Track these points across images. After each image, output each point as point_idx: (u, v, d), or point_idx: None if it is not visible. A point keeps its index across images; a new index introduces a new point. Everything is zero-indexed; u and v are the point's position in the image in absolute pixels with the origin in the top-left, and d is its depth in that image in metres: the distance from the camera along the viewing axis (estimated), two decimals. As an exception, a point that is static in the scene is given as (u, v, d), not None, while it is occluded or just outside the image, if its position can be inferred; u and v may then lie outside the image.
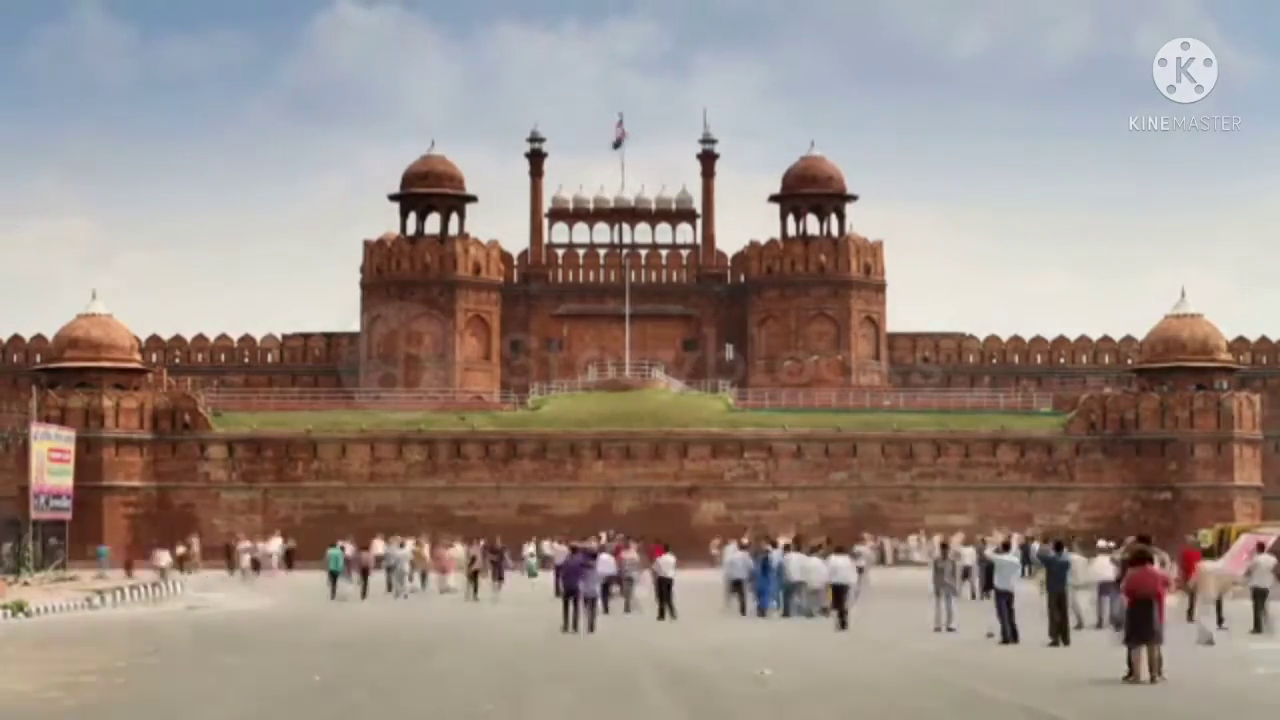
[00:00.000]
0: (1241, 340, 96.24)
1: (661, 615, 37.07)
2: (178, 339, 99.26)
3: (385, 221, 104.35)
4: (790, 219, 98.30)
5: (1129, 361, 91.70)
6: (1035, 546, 49.82)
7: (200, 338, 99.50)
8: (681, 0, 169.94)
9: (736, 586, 39.20)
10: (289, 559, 67.98)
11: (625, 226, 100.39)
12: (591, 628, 32.88)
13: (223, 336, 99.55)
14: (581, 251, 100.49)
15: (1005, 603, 29.63)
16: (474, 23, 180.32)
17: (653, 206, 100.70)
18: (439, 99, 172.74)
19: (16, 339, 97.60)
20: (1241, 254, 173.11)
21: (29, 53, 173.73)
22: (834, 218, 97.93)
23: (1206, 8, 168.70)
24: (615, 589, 39.83)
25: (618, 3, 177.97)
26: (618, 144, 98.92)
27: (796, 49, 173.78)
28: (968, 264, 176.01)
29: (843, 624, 33.42)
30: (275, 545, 67.77)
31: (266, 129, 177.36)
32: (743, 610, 38.30)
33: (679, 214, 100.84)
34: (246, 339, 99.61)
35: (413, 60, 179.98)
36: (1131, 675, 22.19)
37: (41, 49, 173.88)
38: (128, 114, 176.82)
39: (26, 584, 50.08)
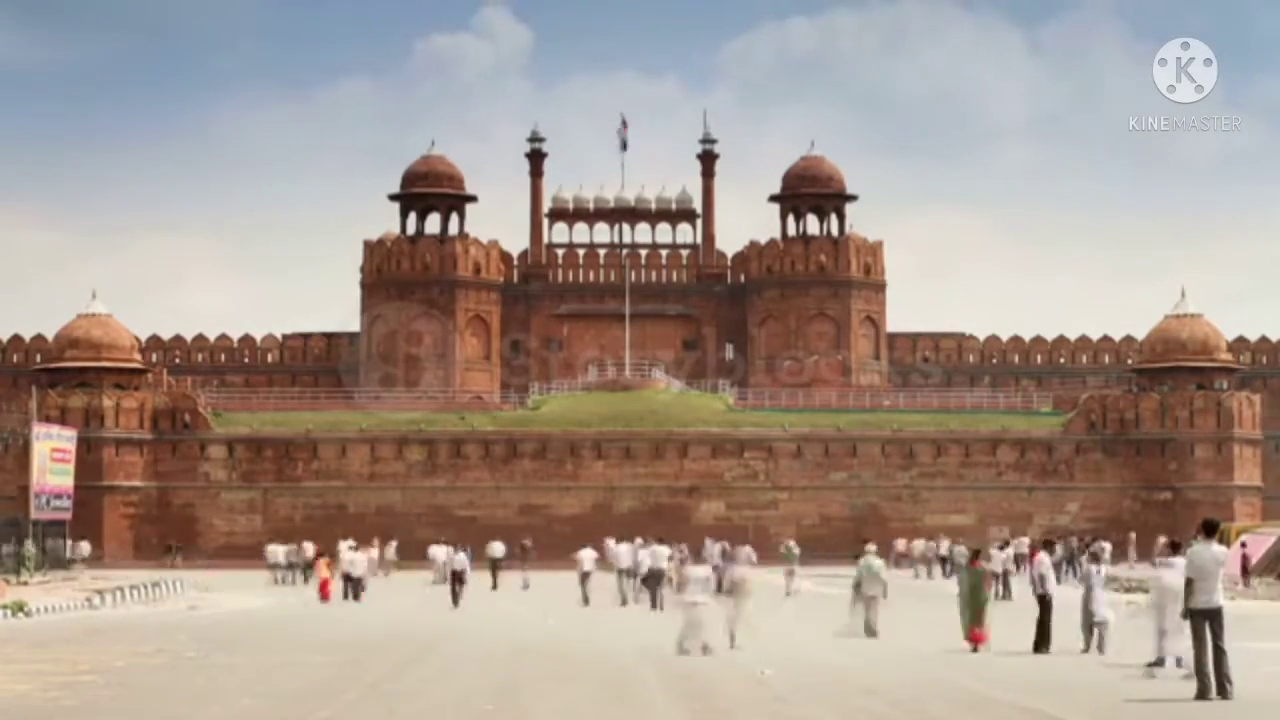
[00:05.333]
0: (1241, 340, 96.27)
1: None
2: (178, 339, 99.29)
3: (385, 221, 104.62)
4: (790, 219, 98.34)
5: (1129, 361, 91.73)
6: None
7: (200, 338, 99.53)
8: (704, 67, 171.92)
9: None
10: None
11: (625, 226, 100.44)
12: None
13: (223, 336, 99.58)
14: (581, 251, 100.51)
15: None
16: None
17: (653, 206, 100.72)
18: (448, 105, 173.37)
19: (16, 339, 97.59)
20: (1241, 254, 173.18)
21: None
22: (834, 218, 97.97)
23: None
24: None
25: (644, 59, 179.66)
26: (624, 144, 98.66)
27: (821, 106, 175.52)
28: (968, 264, 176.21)
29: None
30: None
31: (275, 134, 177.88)
32: None
33: (679, 214, 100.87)
34: (246, 339, 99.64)
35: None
36: None
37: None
38: (143, 122, 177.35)
39: (26, 583, 50.06)
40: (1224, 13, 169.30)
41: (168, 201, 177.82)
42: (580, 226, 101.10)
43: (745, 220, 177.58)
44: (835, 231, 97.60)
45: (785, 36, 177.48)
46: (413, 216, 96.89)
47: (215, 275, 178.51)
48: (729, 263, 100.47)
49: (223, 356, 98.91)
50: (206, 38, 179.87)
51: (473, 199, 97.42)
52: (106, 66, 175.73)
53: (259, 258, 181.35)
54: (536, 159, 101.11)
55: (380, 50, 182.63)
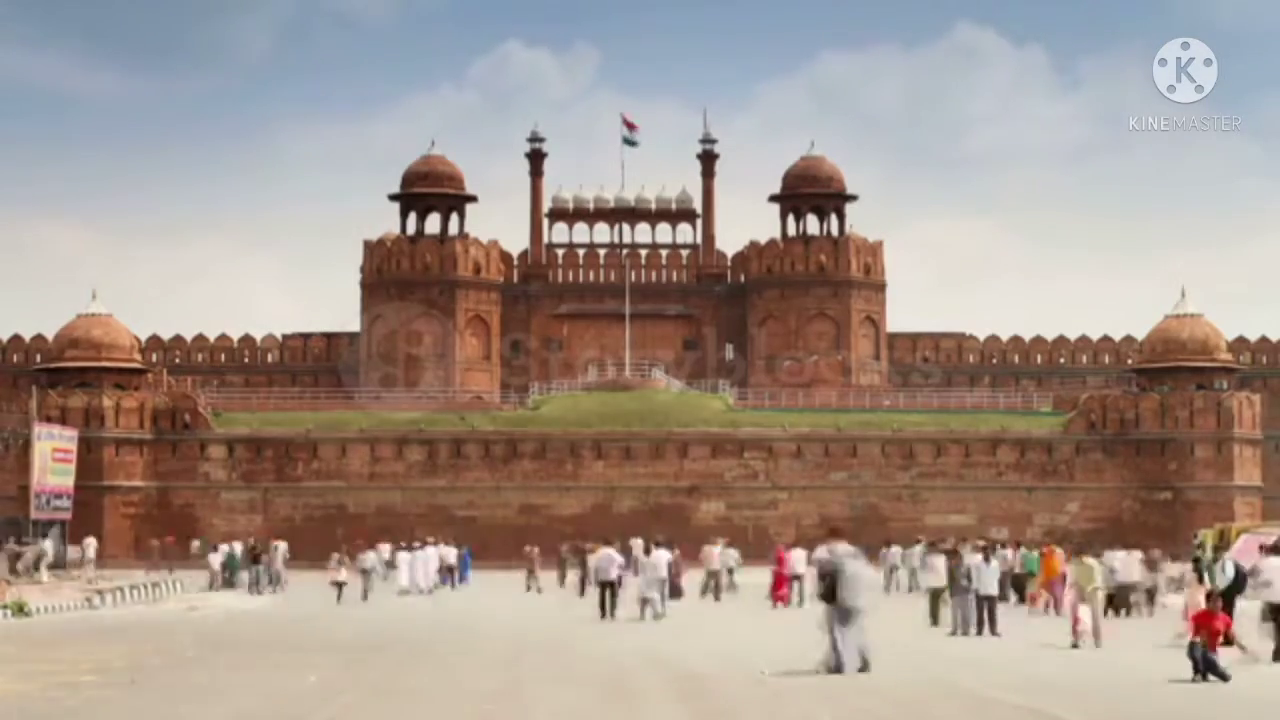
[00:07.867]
0: (1241, 340, 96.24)
1: None
2: (178, 339, 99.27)
3: (385, 221, 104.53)
4: (790, 219, 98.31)
5: (1129, 361, 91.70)
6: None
7: (200, 338, 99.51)
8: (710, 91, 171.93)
9: None
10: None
11: (625, 226, 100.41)
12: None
13: (223, 336, 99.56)
14: (581, 251, 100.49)
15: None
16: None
17: (653, 206, 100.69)
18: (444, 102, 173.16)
19: (16, 339, 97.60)
20: (1241, 254, 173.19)
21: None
22: (834, 218, 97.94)
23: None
24: None
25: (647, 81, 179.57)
26: (633, 142, 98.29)
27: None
28: (968, 264, 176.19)
29: None
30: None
31: (273, 131, 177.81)
32: None
33: (679, 214, 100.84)
34: (246, 339, 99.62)
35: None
36: None
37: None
38: (135, 122, 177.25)
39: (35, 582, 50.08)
40: (1233, 25, 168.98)
41: (170, 204, 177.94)
42: (580, 226, 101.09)
43: (745, 220, 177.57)
44: (835, 232, 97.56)
45: (815, 72, 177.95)
46: (413, 216, 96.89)
47: (216, 275, 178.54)
48: (729, 263, 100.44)
49: (223, 356, 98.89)
50: (279, 64, 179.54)
51: (473, 199, 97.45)
52: (181, 96, 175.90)
53: (259, 257, 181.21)
54: (536, 159, 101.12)
55: (439, 68, 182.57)
